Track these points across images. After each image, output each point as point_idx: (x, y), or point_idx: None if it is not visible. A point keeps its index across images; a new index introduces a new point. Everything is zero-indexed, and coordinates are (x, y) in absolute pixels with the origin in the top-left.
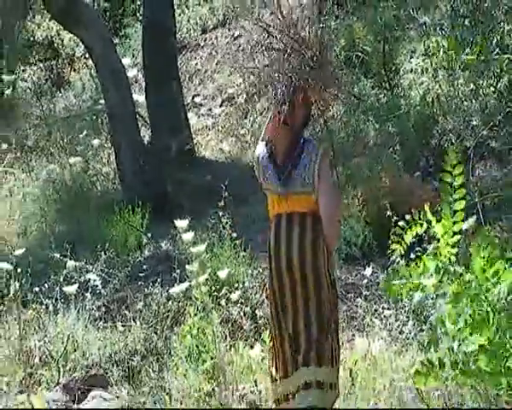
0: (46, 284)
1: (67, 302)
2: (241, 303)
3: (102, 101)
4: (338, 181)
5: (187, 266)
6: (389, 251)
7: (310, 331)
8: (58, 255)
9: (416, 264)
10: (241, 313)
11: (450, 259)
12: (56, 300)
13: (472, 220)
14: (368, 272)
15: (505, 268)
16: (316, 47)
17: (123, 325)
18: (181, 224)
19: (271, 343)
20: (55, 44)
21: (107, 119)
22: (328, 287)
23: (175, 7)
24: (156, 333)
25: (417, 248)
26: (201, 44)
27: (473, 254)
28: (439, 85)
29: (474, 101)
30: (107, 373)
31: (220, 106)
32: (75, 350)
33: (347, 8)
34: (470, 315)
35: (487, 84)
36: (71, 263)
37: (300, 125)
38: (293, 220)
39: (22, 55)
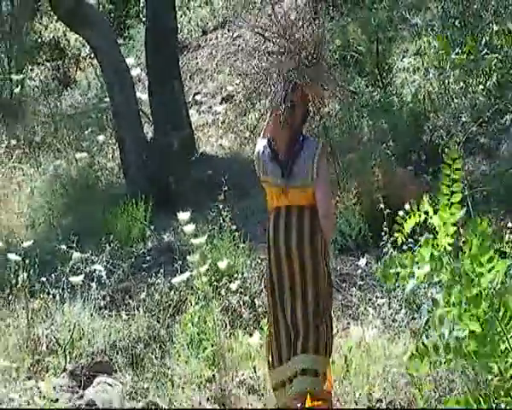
0: (53, 275)
1: (74, 292)
2: (241, 293)
3: (107, 99)
4: (337, 175)
5: (188, 257)
6: (382, 242)
7: (307, 320)
8: (64, 247)
9: (413, 253)
10: (241, 302)
11: (445, 248)
12: (63, 289)
13: (462, 212)
14: (362, 262)
15: (497, 260)
16: (311, 47)
17: (127, 314)
18: (183, 216)
19: (268, 331)
20: (62, 45)
21: (111, 116)
22: (324, 275)
23: (177, 9)
24: (159, 321)
25: (410, 240)
26: (202, 45)
27: (467, 243)
28: (431, 83)
29: (463, 98)
30: (111, 360)
31: (220, 103)
32: (81, 338)
33: (342, 10)
34: (462, 300)
35: (476, 83)
36: (77, 254)
37: (299, 122)
38: (291, 213)
39: (30, 56)
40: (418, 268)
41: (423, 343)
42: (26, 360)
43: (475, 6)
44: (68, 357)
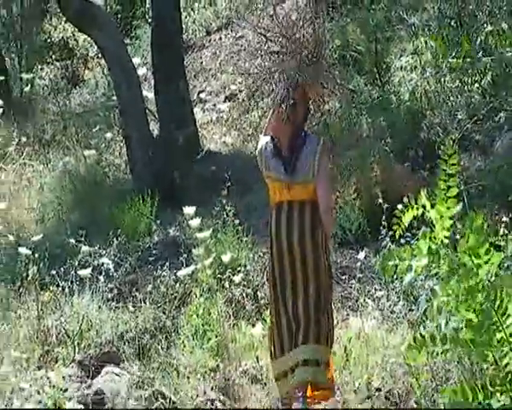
0: (62, 268)
1: (82, 285)
2: (244, 285)
3: (114, 97)
4: (337, 170)
5: (193, 251)
6: (381, 236)
7: (309, 312)
8: (73, 241)
9: (411, 246)
10: (244, 294)
11: (442, 241)
12: (72, 282)
13: (459, 207)
14: (361, 255)
15: (492, 253)
16: (311, 46)
17: (134, 306)
18: (188, 211)
19: (270, 323)
20: (71, 45)
21: (118, 114)
22: (325, 269)
23: (181, 10)
24: (164, 313)
25: (407, 234)
26: (206, 45)
27: (464, 236)
28: (427, 82)
29: (459, 96)
30: (119, 350)
31: (224, 102)
32: (89, 329)
33: (341, 11)
34: (459, 292)
35: (472, 81)
36: (85, 248)
37: (301, 119)
38: (293, 207)
39: (40, 55)
40: (416, 261)
41: (420, 334)
42: (37, 350)
43: (470, 7)
44: (77, 348)
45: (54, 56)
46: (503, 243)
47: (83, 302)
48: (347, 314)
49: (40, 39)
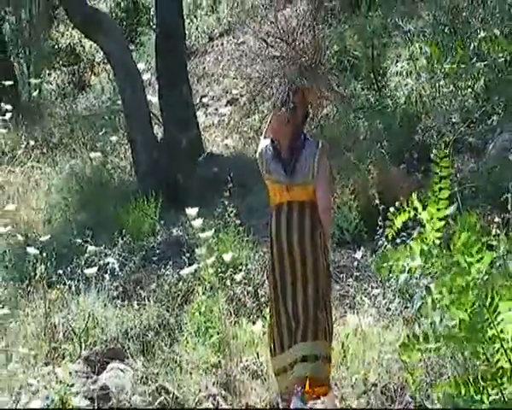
0: (69, 267)
1: (88, 283)
2: (245, 283)
3: (120, 101)
4: (334, 171)
5: (196, 250)
6: (377, 236)
7: (308, 309)
8: (80, 241)
9: (405, 246)
10: (245, 292)
11: (434, 242)
12: (78, 281)
13: (453, 208)
14: (358, 255)
15: (485, 252)
16: (311, 52)
17: (138, 304)
18: (190, 212)
19: (270, 321)
20: (77, 51)
21: (123, 118)
22: (324, 268)
23: (185, 17)
24: (168, 311)
25: (403, 234)
26: (208, 50)
27: (456, 235)
28: (422, 87)
29: (453, 101)
30: (123, 347)
31: (225, 106)
32: (95, 326)
33: (339, 17)
34: (452, 289)
35: (465, 86)
36: (91, 248)
37: (301, 122)
38: (293, 209)
39: (47, 61)
40: (410, 261)
41: (414, 333)
42: (44, 347)
43: (464, 14)
44: (83, 344)
45: (61, 62)
46: (495, 243)
47: (89, 300)
48: (345, 312)
49: (48, 45)
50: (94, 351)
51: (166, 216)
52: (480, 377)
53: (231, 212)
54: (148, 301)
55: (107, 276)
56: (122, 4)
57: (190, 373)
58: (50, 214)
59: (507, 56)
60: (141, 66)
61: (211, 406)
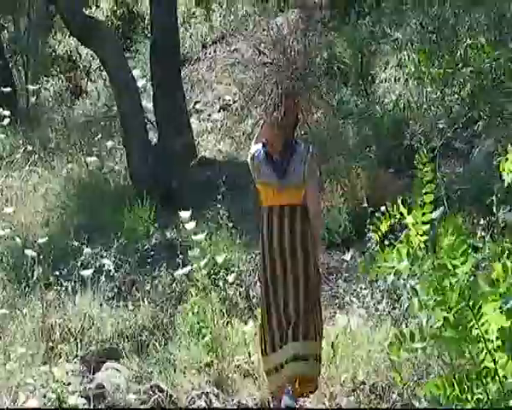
0: (66, 269)
1: (84, 284)
2: (237, 284)
3: (115, 108)
4: (324, 175)
5: (189, 252)
6: (366, 238)
7: (298, 310)
8: (76, 243)
9: (392, 249)
10: (237, 293)
11: (419, 245)
12: (75, 282)
13: (440, 211)
14: (347, 256)
15: (470, 254)
16: (301, 59)
17: (133, 304)
18: (184, 215)
19: (262, 322)
20: (74, 58)
21: (119, 123)
22: (314, 270)
23: (179, 25)
24: (162, 311)
25: (390, 236)
26: (202, 58)
27: (441, 237)
28: (410, 93)
29: (440, 107)
30: (119, 347)
31: (218, 112)
32: (91, 327)
33: (329, 26)
34: (437, 290)
35: (452, 92)
36: (87, 250)
37: (292, 127)
38: (284, 212)
39: (45, 68)
40: (398, 262)
41: (401, 332)
42: (41, 347)
43: (451, 22)
44: (79, 344)
45: (58, 69)
46: (480, 245)
47: (85, 301)
48: (334, 312)
49: (45, 53)
50: (90, 351)
51: (160, 219)
52: (465, 377)
53: (223, 215)
54: (143, 301)
55: (102, 277)
56: (118, 13)
57: (184, 372)
58: (48, 217)
59: (492, 63)
60: (136, 73)
61: (204, 404)
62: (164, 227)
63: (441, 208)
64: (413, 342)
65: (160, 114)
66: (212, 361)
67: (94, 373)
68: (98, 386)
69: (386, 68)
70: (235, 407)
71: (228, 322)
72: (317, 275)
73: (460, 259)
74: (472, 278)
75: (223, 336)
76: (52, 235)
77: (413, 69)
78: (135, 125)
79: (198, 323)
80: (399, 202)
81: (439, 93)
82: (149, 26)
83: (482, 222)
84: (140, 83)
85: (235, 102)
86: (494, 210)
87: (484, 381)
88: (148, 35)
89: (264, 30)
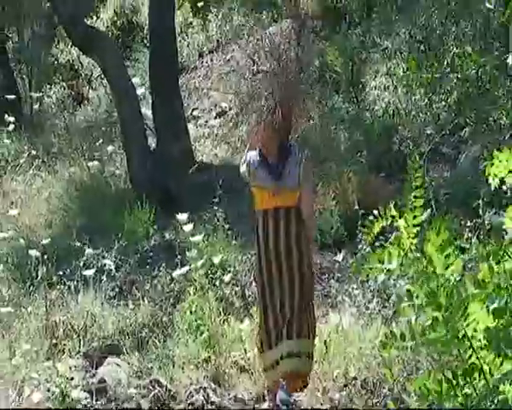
0: (68, 269)
1: (86, 284)
2: (233, 284)
3: (116, 114)
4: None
5: (187, 253)
6: (357, 239)
7: (293, 311)
8: (78, 244)
9: (383, 250)
10: (233, 293)
11: (410, 248)
12: (77, 282)
13: (427, 213)
14: (339, 257)
15: (457, 255)
16: (294, 67)
17: (133, 303)
18: (182, 217)
19: (259, 321)
20: (76, 67)
21: (119, 129)
22: (308, 271)
23: (176, 35)
24: (161, 309)
25: (381, 237)
26: (199, 66)
27: (427, 239)
28: (399, 100)
29: (428, 113)
30: (120, 343)
31: (215, 118)
32: (93, 324)
33: (321, 35)
34: (427, 292)
35: (439, 100)
36: (89, 250)
37: (286, 133)
38: (279, 214)
39: (48, 76)
40: (388, 263)
41: (391, 331)
42: (45, 343)
43: (438, 32)
44: (82, 341)
45: (61, 77)
46: (467, 246)
47: (87, 300)
48: (327, 311)
49: (48, 62)
50: (92, 347)
51: (159, 221)
52: (452, 373)
53: (220, 217)
54: (143, 300)
55: (104, 277)
56: (118, 23)
57: (182, 368)
58: (51, 219)
59: (478, 71)
60: (135, 81)
61: (201, 398)
62: (163, 229)
63: (428, 211)
64: (404, 341)
65: (158, 121)
66: (209, 357)
67: (96, 368)
68: (100, 381)
69: (376, 76)
70: (232, 402)
71: (224, 320)
72: (311, 275)
73: (442, 261)
74: (459, 278)
75: (219, 334)
76: (55, 236)
77: (402, 77)
78: (134, 131)
79: (196, 321)
80: (391, 205)
81: (426, 100)
82: (148, 36)
83: (469, 224)
84: (139, 90)
85: (230, 108)
86: (480, 213)
87: (471, 378)
88: (147, 44)
89: (258, 39)
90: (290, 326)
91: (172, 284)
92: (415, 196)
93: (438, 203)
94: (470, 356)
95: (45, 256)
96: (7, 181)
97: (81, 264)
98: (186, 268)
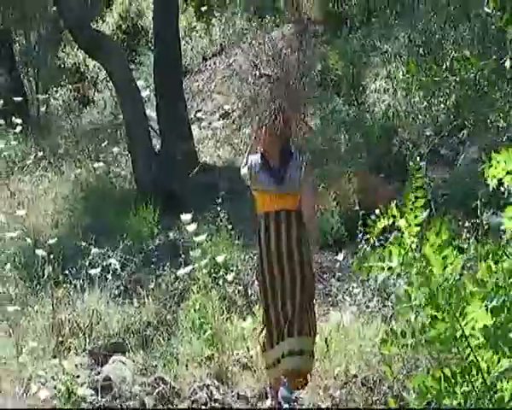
0: (74, 268)
1: (92, 283)
2: (236, 283)
3: (121, 116)
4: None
5: (190, 253)
6: (358, 239)
7: (295, 310)
8: (84, 244)
9: (383, 249)
10: (236, 291)
11: (411, 247)
12: (83, 280)
13: (426, 213)
14: (340, 257)
15: (456, 255)
16: (296, 72)
17: (138, 302)
18: (185, 217)
19: (262, 321)
20: (82, 70)
21: (124, 131)
22: (309, 271)
23: (181, 39)
24: (166, 308)
25: (381, 237)
26: (202, 69)
27: (429, 238)
28: (399, 103)
29: (427, 115)
30: (125, 341)
31: (218, 120)
32: (98, 322)
33: (322, 39)
34: (424, 292)
35: (438, 102)
36: (95, 250)
37: (288, 136)
38: (280, 217)
39: (54, 79)
40: (388, 262)
41: (391, 329)
42: (52, 341)
43: (437, 36)
44: (88, 339)
45: (67, 80)
46: (465, 246)
47: (93, 298)
48: (327, 309)
49: (55, 65)
50: (97, 345)
51: (164, 221)
52: (451, 371)
53: (223, 217)
54: (147, 299)
55: (109, 276)
56: (123, 27)
57: (186, 365)
58: (57, 219)
59: (476, 74)
60: (140, 83)
61: (205, 395)
62: (167, 229)
63: (427, 211)
64: (404, 338)
65: (163, 123)
66: (212, 355)
67: (101, 366)
68: (105, 378)
69: (376, 79)
70: (235, 399)
71: (227, 318)
72: (312, 276)
73: (440, 261)
74: (458, 277)
75: (223, 332)
76: (61, 236)
77: (401, 80)
78: (139, 133)
79: (199, 319)
80: (393, 205)
81: (426, 103)
82: (153, 40)
83: (467, 225)
84: (144, 93)
85: (233, 111)
86: (478, 213)
87: (470, 376)
88: (152, 48)
89: (260, 44)
90: (291, 325)
91: (176, 283)
92: (415, 197)
93: (437, 204)
94: (468, 354)
95: (52, 256)
96: (14, 182)
97: (87, 263)
98: (190, 267)
